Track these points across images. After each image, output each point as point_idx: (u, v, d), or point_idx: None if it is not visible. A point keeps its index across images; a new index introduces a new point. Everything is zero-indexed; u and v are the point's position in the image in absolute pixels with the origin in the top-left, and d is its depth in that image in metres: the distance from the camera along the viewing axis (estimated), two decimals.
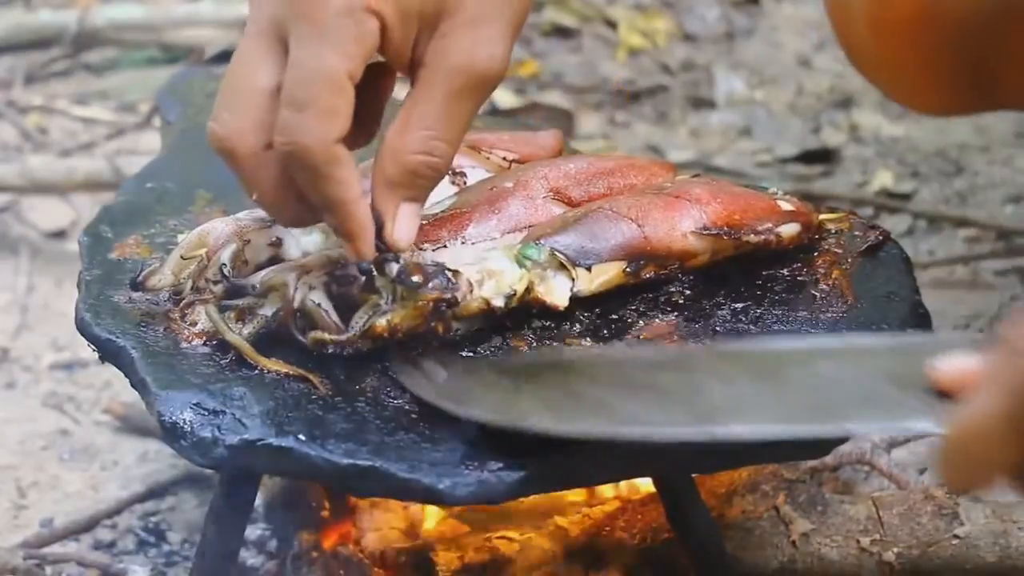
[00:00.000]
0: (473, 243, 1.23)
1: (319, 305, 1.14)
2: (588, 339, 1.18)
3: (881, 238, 1.31)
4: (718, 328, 1.20)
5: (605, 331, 1.18)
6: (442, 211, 1.25)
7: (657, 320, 1.20)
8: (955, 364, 0.98)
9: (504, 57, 1.12)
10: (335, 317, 1.14)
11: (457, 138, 1.15)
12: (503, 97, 2.59)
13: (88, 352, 1.21)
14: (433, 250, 1.21)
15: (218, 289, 1.18)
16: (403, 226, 1.14)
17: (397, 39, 1.11)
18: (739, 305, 1.22)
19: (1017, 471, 0.94)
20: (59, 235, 2.24)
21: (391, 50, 1.12)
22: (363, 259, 1.13)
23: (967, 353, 0.98)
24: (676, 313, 1.21)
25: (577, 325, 1.20)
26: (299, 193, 1.13)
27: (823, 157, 2.37)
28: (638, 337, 1.18)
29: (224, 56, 2.78)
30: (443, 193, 1.28)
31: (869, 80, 1.43)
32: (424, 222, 1.22)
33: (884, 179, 2.27)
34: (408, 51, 1.12)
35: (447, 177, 1.30)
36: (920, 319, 1.22)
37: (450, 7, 1.11)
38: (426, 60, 1.12)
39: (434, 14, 1.11)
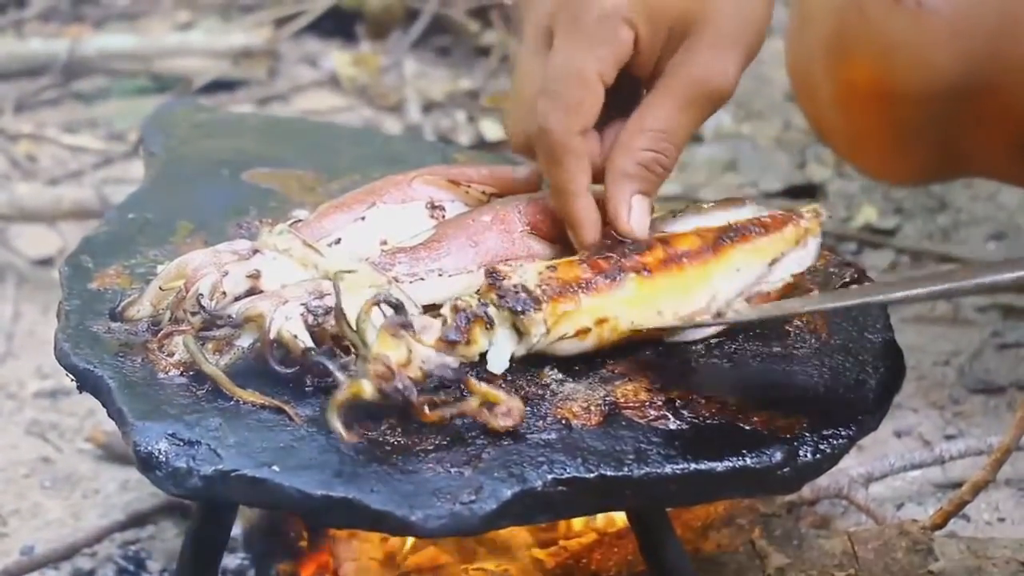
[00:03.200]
0: (450, 275, 1.24)
1: (296, 336, 1.15)
2: (558, 371, 1.18)
3: (856, 275, 1.32)
4: (692, 363, 1.21)
5: (576, 366, 1.19)
6: (419, 243, 1.25)
7: (630, 355, 1.20)
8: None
9: (736, 79, 1.24)
10: (311, 344, 1.14)
11: (683, 142, 1.26)
12: (490, 129, 2.61)
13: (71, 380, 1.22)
14: (411, 282, 1.22)
15: (196, 320, 1.19)
16: (637, 215, 1.23)
17: (646, 50, 1.23)
18: (714, 340, 1.23)
19: None
20: (46, 263, 2.25)
21: (639, 59, 1.24)
22: (584, 246, 1.22)
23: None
24: (649, 350, 1.21)
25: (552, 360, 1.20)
26: None
27: (808, 192, 2.38)
28: (612, 372, 1.19)
29: (213, 86, 2.81)
30: (422, 225, 1.29)
31: (840, 155, 1.49)
32: (401, 254, 1.23)
33: (868, 214, 2.29)
34: (653, 62, 1.25)
35: (426, 211, 1.31)
36: (893, 356, 1.23)
37: (697, 28, 1.23)
38: (667, 70, 1.24)
39: (680, 33, 1.23)
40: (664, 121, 1.24)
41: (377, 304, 1.11)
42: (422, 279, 1.23)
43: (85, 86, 2.84)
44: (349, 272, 1.18)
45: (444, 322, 1.14)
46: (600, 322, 1.18)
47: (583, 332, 1.18)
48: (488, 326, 1.15)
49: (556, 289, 1.17)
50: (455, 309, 1.14)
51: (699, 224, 1.26)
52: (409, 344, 1.10)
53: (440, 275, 1.23)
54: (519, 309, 1.15)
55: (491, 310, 1.15)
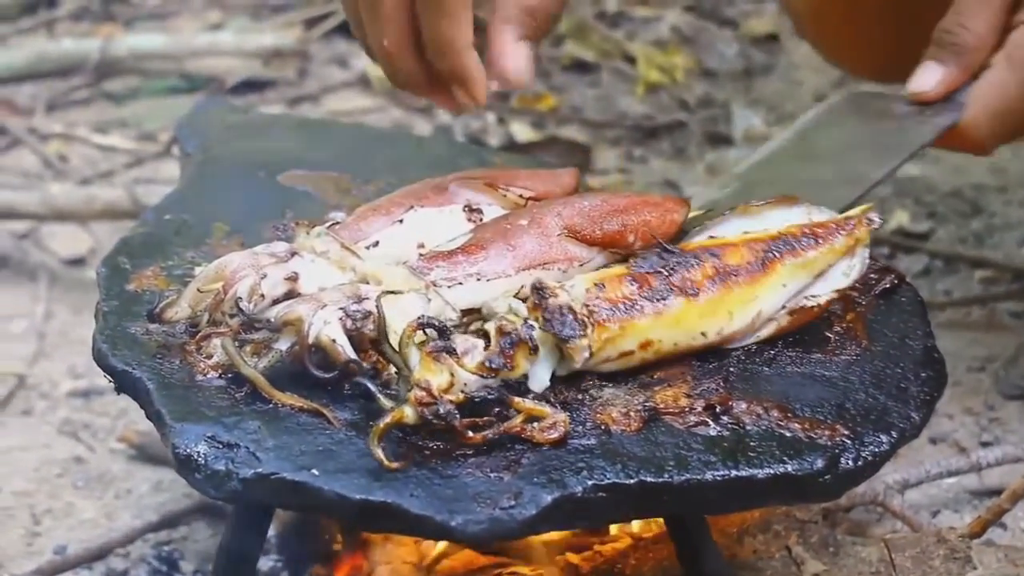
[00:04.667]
0: (488, 280, 1.23)
1: (334, 341, 1.14)
2: (596, 377, 1.18)
3: (896, 281, 1.31)
4: (732, 368, 1.20)
5: (619, 375, 1.19)
6: (457, 248, 1.25)
7: (670, 361, 1.20)
8: (930, 76, 1.38)
9: None
10: (350, 352, 1.14)
11: None
12: (520, 131, 2.60)
13: (105, 380, 1.22)
14: (449, 287, 1.21)
15: (234, 322, 1.18)
16: (519, 60, 1.25)
17: None
18: (753, 346, 1.23)
19: None
20: (78, 263, 2.25)
21: None
22: (477, 103, 1.22)
23: (933, 65, 1.40)
24: (690, 353, 1.21)
25: None
26: (420, 51, 1.22)
27: None
28: (651, 377, 1.18)
29: (243, 87, 2.82)
30: (459, 229, 1.29)
31: (811, 43, 1.53)
32: (439, 259, 1.22)
33: (901, 218, 2.28)
34: None
35: (464, 214, 1.31)
36: (934, 363, 1.22)
37: None
38: None
39: None
40: None
41: (421, 327, 1.11)
42: (460, 283, 1.22)
43: (116, 86, 2.84)
44: (394, 293, 1.18)
45: (487, 345, 1.13)
46: (644, 346, 1.18)
47: (627, 355, 1.17)
48: (532, 351, 1.14)
49: (603, 313, 1.16)
50: (500, 332, 1.13)
51: (748, 228, 1.24)
52: (451, 368, 1.10)
53: (478, 279, 1.22)
54: (564, 336, 1.14)
55: (536, 334, 1.14)
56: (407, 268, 1.22)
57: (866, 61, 1.58)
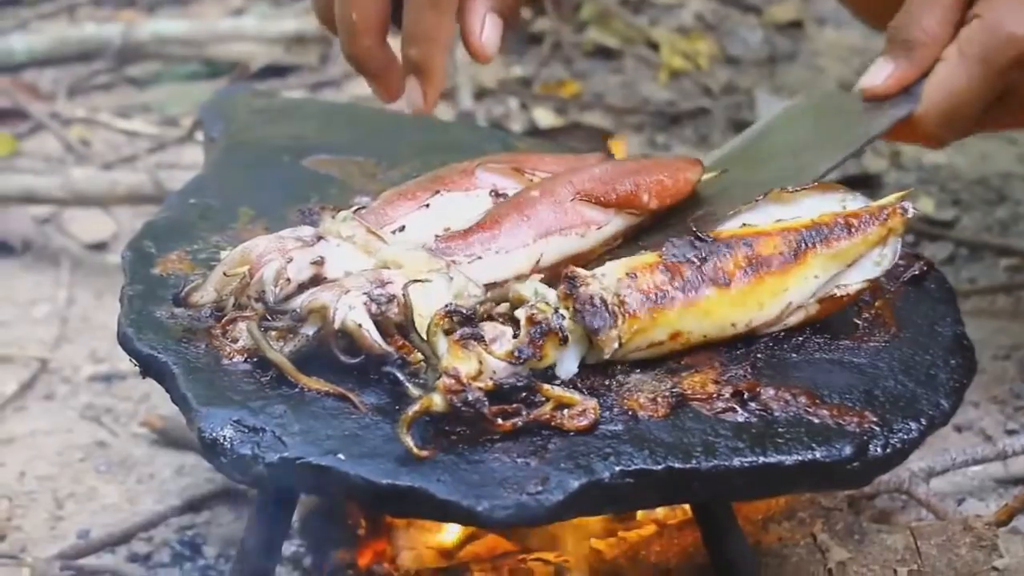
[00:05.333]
0: (508, 251, 1.23)
1: (360, 325, 1.14)
2: (625, 365, 1.17)
3: (925, 268, 1.30)
4: (759, 355, 1.20)
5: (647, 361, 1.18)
6: (473, 225, 1.25)
7: (697, 347, 1.19)
8: (881, 72, 1.41)
9: None
10: (377, 337, 1.14)
11: None
12: (543, 116, 2.59)
13: (127, 364, 1.22)
14: (469, 263, 1.21)
15: (259, 307, 1.18)
16: (489, 32, 1.25)
17: None
18: (781, 333, 1.22)
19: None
20: (100, 247, 2.25)
21: None
22: (427, 105, 1.27)
23: (884, 62, 1.42)
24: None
25: None
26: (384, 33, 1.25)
27: (864, 183, 2.35)
28: (679, 363, 1.18)
29: (265, 72, 2.81)
30: (477, 209, 1.28)
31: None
32: (456, 238, 1.23)
33: (926, 206, 2.26)
34: None
35: (490, 199, 1.31)
36: (964, 350, 1.22)
37: None
38: None
39: None
40: None
41: (448, 316, 1.11)
42: (480, 258, 1.22)
43: (138, 71, 2.84)
44: (420, 281, 1.17)
45: (516, 333, 1.13)
46: (674, 336, 1.17)
47: (656, 345, 1.17)
48: (562, 342, 1.14)
49: (634, 303, 1.16)
50: (530, 321, 1.13)
51: (782, 215, 1.23)
52: (480, 355, 1.10)
53: (497, 252, 1.23)
54: (595, 327, 1.14)
55: (566, 323, 1.14)
56: (426, 251, 1.21)
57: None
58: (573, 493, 1.05)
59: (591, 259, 1.30)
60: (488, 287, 1.21)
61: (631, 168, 1.34)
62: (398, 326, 1.16)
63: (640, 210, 1.32)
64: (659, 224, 1.34)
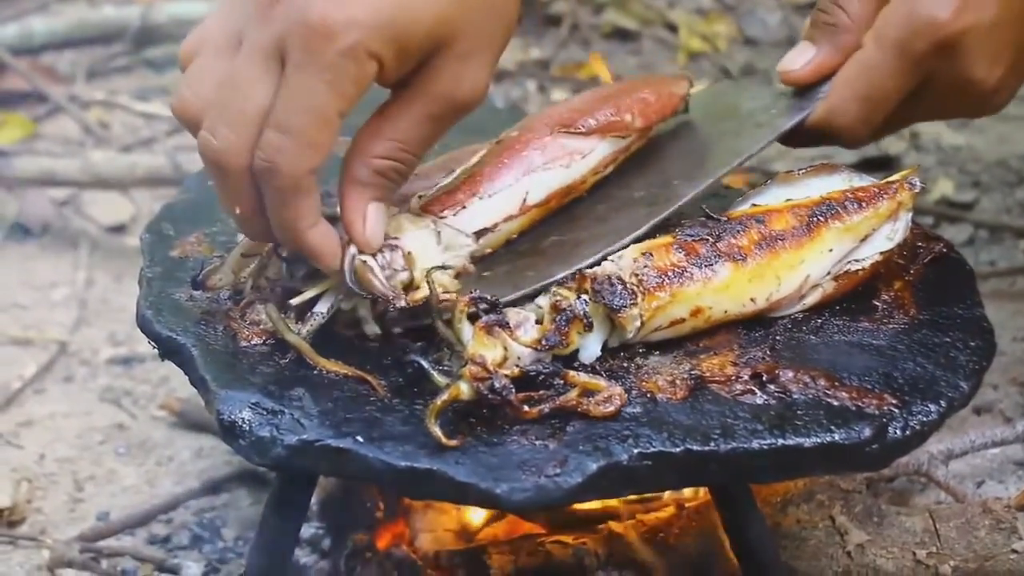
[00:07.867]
0: (491, 195, 1.24)
1: (365, 262, 1.15)
2: (643, 347, 1.17)
3: (944, 250, 1.30)
4: (778, 337, 1.19)
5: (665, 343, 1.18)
6: (455, 178, 1.26)
7: (715, 328, 1.19)
8: (800, 57, 1.32)
9: (486, 86, 1.17)
10: (381, 276, 1.15)
11: (423, 151, 1.18)
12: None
13: (145, 347, 1.22)
14: (454, 214, 1.22)
15: (278, 289, 1.18)
16: (372, 223, 1.16)
17: (391, 74, 1.13)
18: (800, 314, 1.22)
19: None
20: (119, 230, 2.25)
21: (382, 78, 1.13)
22: (331, 271, 1.15)
23: (805, 46, 1.32)
24: (737, 322, 1.20)
25: None
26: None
27: (883, 164, 2.35)
28: (697, 345, 1.18)
29: None
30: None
31: None
32: (437, 192, 1.24)
33: (945, 188, 2.26)
34: (396, 80, 1.15)
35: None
36: (983, 332, 1.21)
37: (445, 43, 1.14)
38: (410, 82, 1.15)
39: (429, 51, 1.13)
40: (404, 132, 1.15)
41: (473, 303, 1.11)
42: (464, 207, 1.23)
43: (156, 53, 2.84)
44: (439, 269, 1.17)
45: (541, 320, 1.13)
46: (695, 313, 1.17)
47: (677, 323, 1.17)
48: (587, 328, 1.14)
49: (651, 281, 1.16)
50: (555, 308, 1.13)
51: (790, 196, 1.24)
52: (505, 342, 1.10)
53: (481, 198, 1.24)
54: (615, 305, 1.14)
55: (589, 308, 1.14)
56: (408, 213, 1.22)
57: None
58: (592, 475, 1.05)
59: (582, 189, 1.31)
60: (479, 234, 1.22)
61: (610, 92, 1.35)
62: (406, 287, 1.16)
63: (625, 131, 1.32)
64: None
